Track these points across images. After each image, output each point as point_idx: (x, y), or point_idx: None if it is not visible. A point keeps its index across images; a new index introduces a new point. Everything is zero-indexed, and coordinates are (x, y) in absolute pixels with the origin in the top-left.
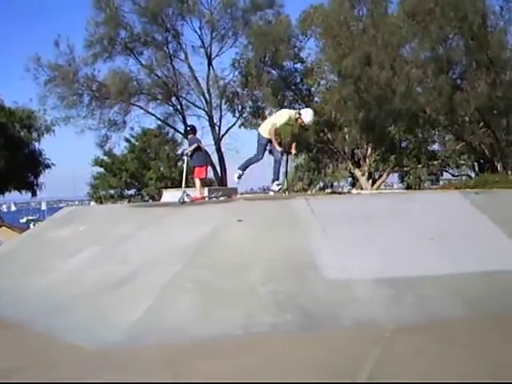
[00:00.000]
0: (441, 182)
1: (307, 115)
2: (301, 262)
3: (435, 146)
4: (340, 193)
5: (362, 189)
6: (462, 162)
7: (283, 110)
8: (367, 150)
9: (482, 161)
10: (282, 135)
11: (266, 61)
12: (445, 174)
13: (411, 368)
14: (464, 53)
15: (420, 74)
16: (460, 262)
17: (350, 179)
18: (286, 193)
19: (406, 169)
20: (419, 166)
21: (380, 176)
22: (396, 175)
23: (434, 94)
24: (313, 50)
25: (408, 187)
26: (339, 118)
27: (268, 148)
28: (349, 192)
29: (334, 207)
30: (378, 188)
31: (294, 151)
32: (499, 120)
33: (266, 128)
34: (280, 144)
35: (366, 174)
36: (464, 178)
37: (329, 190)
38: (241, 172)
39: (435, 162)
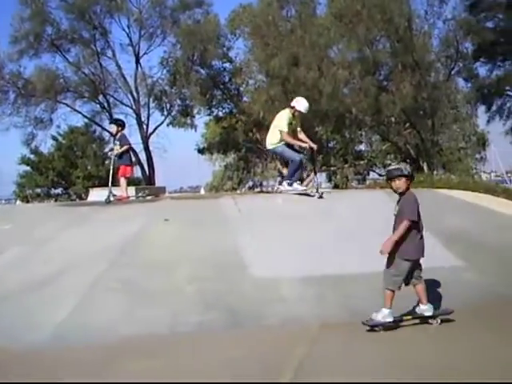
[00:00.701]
0: (367, 182)
1: (300, 104)
2: (228, 260)
3: (362, 146)
4: (268, 192)
5: None
6: (389, 161)
7: (279, 114)
8: None
9: (408, 161)
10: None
11: (194, 60)
12: (372, 173)
13: (336, 365)
14: (390, 55)
15: (347, 75)
16: (384, 260)
17: (278, 178)
18: (318, 194)
19: (333, 168)
20: (346, 165)
21: (308, 175)
22: (324, 174)
23: (360, 95)
24: (241, 50)
25: (335, 186)
26: (267, 117)
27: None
28: (276, 191)
29: (262, 206)
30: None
31: (312, 144)
32: (424, 121)
33: (273, 138)
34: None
35: None
36: None
37: (258, 190)
38: (288, 180)
39: (362, 162)
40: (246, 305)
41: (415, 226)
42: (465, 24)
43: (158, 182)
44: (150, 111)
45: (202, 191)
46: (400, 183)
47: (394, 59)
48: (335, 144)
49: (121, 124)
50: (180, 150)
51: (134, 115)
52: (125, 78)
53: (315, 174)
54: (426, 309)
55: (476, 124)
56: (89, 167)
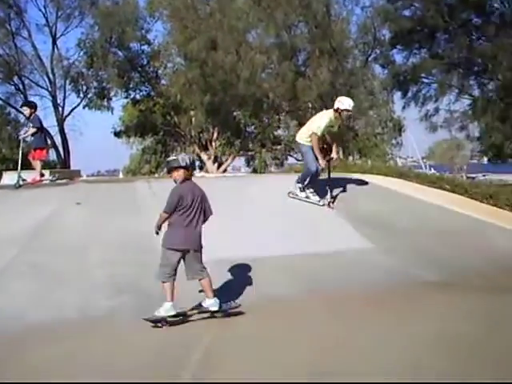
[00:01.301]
0: (286, 167)
1: (344, 102)
2: (141, 244)
3: (280, 131)
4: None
5: (207, 172)
6: None
7: (322, 113)
8: (213, 133)
9: (325, 146)
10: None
11: (112, 42)
12: (290, 158)
13: (243, 349)
14: (308, 40)
15: (264, 60)
16: (296, 243)
17: (197, 163)
18: (328, 204)
19: (251, 153)
20: (264, 150)
21: (226, 160)
22: (243, 159)
23: (277, 80)
24: (160, 33)
25: (254, 171)
26: (185, 101)
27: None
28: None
29: None
30: (223, 171)
31: (335, 156)
32: None
33: (305, 134)
34: (324, 154)
35: (212, 157)
36: None
37: None
38: (300, 185)
39: (279, 147)
40: (159, 288)
41: (178, 217)
42: (382, 11)
43: (74, 166)
44: (66, 93)
45: (121, 175)
46: (177, 174)
47: (312, 45)
48: (254, 129)
49: (33, 106)
50: (98, 134)
51: (50, 97)
52: (41, 60)
53: (330, 186)
54: (211, 303)
55: (392, 110)
56: (3, 150)
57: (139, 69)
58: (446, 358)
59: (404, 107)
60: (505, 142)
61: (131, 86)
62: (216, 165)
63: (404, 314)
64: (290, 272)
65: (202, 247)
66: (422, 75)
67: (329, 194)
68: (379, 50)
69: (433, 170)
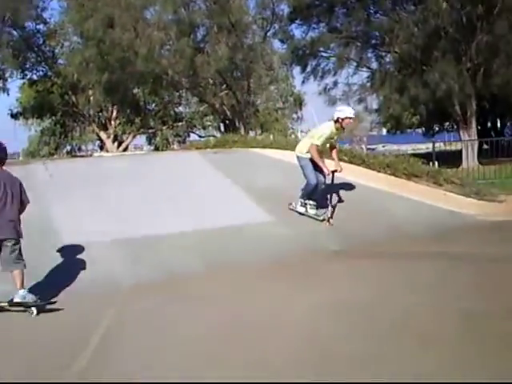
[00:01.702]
0: (188, 143)
1: (345, 110)
2: (38, 227)
3: (181, 108)
4: (82, 156)
5: (107, 151)
6: (209, 123)
7: (324, 125)
8: (112, 112)
9: (227, 122)
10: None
11: (6, 21)
12: (192, 135)
13: (146, 325)
14: (206, 16)
15: (162, 37)
16: (197, 219)
17: (97, 142)
18: (328, 220)
19: (152, 131)
20: (165, 127)
21: (127, 138)
22: (144, 137)
23: (176, 57)
24: (56, 11)
25: (156, 149)
26: (83, 80)
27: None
28: (91, 155)
29: (74, 171)
30: (124, 150)
31: (338, 168)
32: (240, 82)
33: (305, 147)
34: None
35: (112, 136)
36: (211, 138)
37: (78, 154)
38: (301, 200)
39: (180, 124)
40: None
41: None
42: None
43: None
44: None
45: (21, 158)
46: None
47: (211, 21)
48: (154, 106)
49: None
50: None
51: None
52: None
53: (330, 202)
54: (20, 295)
55: (293, 85)
56: None
57: (35, 48)
58: (345, 324)
59: (303, 81)
60: (402, 113)
61: (27, 66)
62: (116, 144)
63: (305, 283)
64: (192, 248)
65: (20, 237)
66: (321, 49)
67: (329, 208)
68: (278, 25)
69: None
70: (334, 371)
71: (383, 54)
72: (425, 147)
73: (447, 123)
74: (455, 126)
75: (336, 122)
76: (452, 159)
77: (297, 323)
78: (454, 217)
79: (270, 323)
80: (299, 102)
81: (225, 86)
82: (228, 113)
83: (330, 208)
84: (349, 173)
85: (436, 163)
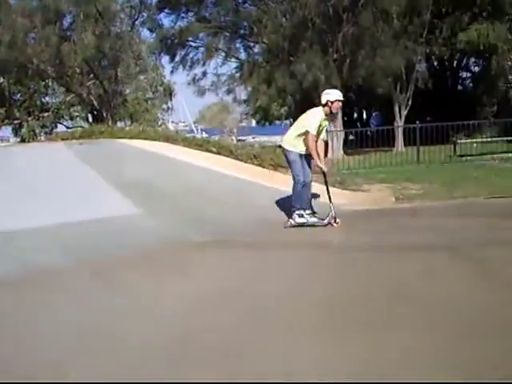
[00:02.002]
0: (54, 135)
1: (333, 92)
2: None
3: (47, 98)
4: None
5: None
6: (76, 113)
7: (312, 111)
8: None
9: (95, 112)
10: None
11: None
12: (60, 126)
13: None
14: (73, 4)
15: (27, 24)
16: (59, 212)
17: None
18: (334, 221)
19: (17, 122)
20: (31, 118)
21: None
22: (10, 128)
23: (41, 45)
24: None
25: (22, 140)
26: None
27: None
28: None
29: None
30: None
31: (325, 168)
32: (107, 71)
33: (292, 138)
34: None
35: None
36: (78, 129)
37: None
38: (297, 211)
39: (47, 114)
40: None
41: None
42: None
43: None
44: None
45: None
46: None
47: (77, 8)
48: (20, 96)
49: None
50: None
51: None
52: None
53: (330, 201)
54: None
55: (162, 74)
56: None
57: None
58: (209, 314)
59: (172, 71)
60: (271, 104)
61: None
62: None
63: (170, 276)
64: (56, 241)
65: None
66: (190, 39)
67: (331, 208)
68: (146, 14)
69: (204, 134)
70: (197, 362)
71: (252, 44)
72: None
73: None
74: None
75: (325, 105)
76: None
77: (163, 316)
78: (320, 206)
79: (137, 317)
80: (169, 92)
81: (92, 75)
82: (95, 103)
83: (331, 209)
84: (217, 164)
85: None
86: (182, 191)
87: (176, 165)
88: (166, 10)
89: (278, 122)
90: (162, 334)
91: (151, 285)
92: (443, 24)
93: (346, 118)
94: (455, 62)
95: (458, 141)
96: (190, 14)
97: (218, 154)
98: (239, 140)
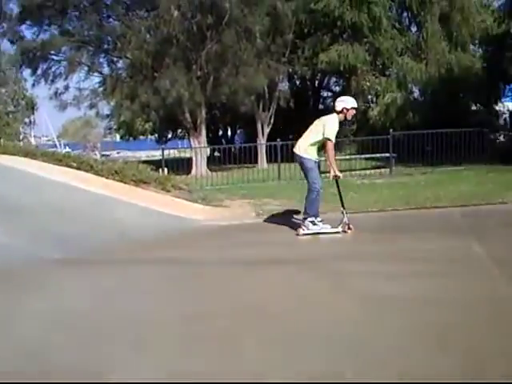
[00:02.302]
0: None
1: (349, 100)
2: None
3: None
4: None
5: None
6: None
7: (329, 118)
8: None
9: None
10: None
11: None
12: None
13: None
14: None
15: None
16: None
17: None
18: (348, 227)
19: None
20: None
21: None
22: None
23: None
24: None
25: None
26: None
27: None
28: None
29: None
30: None
31: (339, 173)
32: None
33: (309, 145)
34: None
35: None
36: None
37: None
38: (310, 218)
39: None
40: None
41: None
42: None
43: None
44: None
45: None
46: None
47: None
48: None
49: None
50: None
51: None
52: None
53: (344, 208)
54: None
55: (24, 88)
56: None
57: None
58: (63, 331)
59: (34, 85)
60: (135, 119)
61: None
62: None
63: (24, 293)
64: None
65: None
66: (52, 52)
67: (344, 215)
68: (7, 25)
69: (67, 148)
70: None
71: (115, 59)
72: (159, 154)
73: (180, 130)
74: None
75: (340, 112)
76: (184, 166)
77: (19, 335)
78: (182, 222)
79: None
80: (31, 106)
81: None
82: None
83: (344, 214)
84: (76, 179)
85: (166, 170)
86: (40, 207)
87: (35, 180)
88: (28, 22)
89: (142, 137)
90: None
91: (1, 303)
92: (305, 44)
93: (211, 135)
94: (317, 82)
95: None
96: (53, 26)
97: (78, 168)
98: (103, 155)
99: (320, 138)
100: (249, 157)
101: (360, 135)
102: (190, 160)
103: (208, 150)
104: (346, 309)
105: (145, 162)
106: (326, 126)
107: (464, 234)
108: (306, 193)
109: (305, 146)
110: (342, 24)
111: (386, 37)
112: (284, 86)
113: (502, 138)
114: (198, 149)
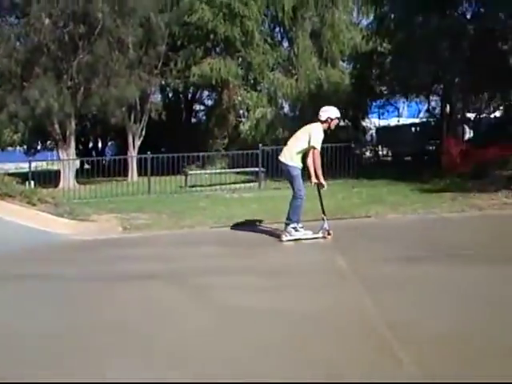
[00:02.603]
0: None
1: (332, 110)
2: None
3: None
4: None
5: None
6: None
7: (313, 126)
8: None
9: None
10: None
11: None
12: None
13: None
14: None
15: None
16: None
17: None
18: (328, 233)
19: None
20: None
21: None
22: None
23: None
24: None
25: None
26: None
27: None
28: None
29: None
30: None
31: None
32: None
33: (297, 156)
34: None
35: None
36: None
37: None
38: (296, 225)
39: None
40: None
41: None
42: None
43: None
44: None
45: None
46: None
47: None
48: None
49: None
50: None
51: None
52: None
53: (324, 214)
54: None
55: None
56: None
57: None
58: None
59: None
60: (3, 130)
61: None
62: None
63: None
64: None
65: None
66: None
67: (324, 221)
68: None
69: None
70: None
71: None
72: (27, 166)
73: (49, 142)
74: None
75: (324, 122)
76: (52, 179)
77: None
78: (47, 237)
79: None
80: None
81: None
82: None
83: (325, 220)
84: None
85: (32, 183)
86: None
87: None
88: None
89: (10, 149)
90: None
91: None
92: (178, 57)
93: (81, 147)
94: (190, 95)
95: (190, 172)
96: None
97: None
98: None
99: (306, 146)
100: (119, 169)
101: (232, 149)
102: (58, 172)
103: (77, 162)
104: (200, 319)
105: (12, 174)
106: (312, 135)
107: (329, 247)
108: (291, 199)
109: (291, 155)
110: (215, 37)
111: (258, 51)
112: (156, 98)
113: (368, 153)
114: (66, 161)
